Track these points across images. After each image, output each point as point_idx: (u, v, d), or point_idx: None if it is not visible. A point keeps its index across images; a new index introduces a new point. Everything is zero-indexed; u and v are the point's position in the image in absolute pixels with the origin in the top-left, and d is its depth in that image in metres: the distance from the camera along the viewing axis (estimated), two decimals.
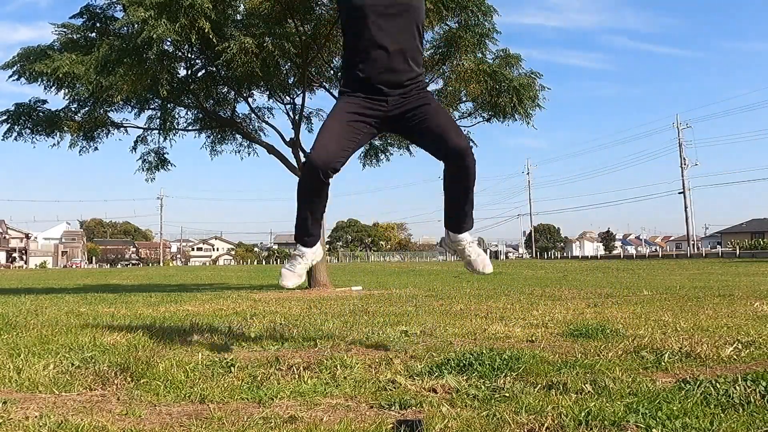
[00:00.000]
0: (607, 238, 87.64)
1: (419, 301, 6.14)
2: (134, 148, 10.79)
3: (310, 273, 8.70)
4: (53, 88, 8.69)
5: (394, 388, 2.10)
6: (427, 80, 10.12)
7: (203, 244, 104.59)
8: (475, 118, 10.24)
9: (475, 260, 2.57)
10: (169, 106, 10.08)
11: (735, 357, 2.55)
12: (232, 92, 10.08)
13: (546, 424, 1.63)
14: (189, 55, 9.15)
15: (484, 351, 2.53)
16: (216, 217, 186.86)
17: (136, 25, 7.49)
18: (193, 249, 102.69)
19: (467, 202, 2.62)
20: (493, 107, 9.30)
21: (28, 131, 9.51)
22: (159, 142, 10.78)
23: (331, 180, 2.48)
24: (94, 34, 8.93)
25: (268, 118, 10.89)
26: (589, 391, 1.96)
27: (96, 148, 10.31)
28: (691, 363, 2.45)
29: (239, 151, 11.23)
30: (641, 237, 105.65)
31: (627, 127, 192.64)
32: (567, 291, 7.46)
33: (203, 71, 9.54)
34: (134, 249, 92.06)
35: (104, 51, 7.95)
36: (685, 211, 48.06)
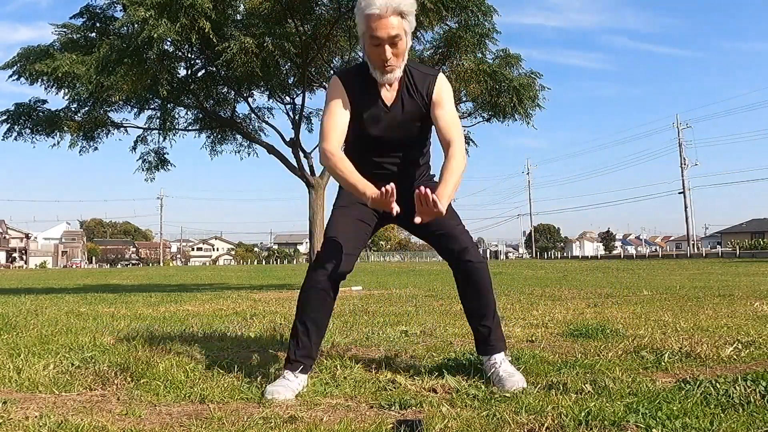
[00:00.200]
0: (607, 238, 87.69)
1: (419, 301, 6.14)
2: (134, 148, 10.82)
3: None
4: (53, 88, 8.70)
5: (394, 388, 2.10)
6: None
7: (203, 244, 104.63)
8: (475, 118, 10.26)
9: (506, 379, 2.13)
10: (169, 106, 10.09)
11: (735, 357, 2.55)
12: (232, 92, 10.08)
13: (546, 424, 1.63)
14: (189, 55, 9.16)
15: None
16: (216, 217, 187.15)
17: (136, 25, 7.50)
18: (193, 249, 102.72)
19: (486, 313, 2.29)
20: (493, 107, 9.31)
21: (28, 131, 9.52)
22: (159, 142, 10.81)
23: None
24: (94, 34, 8.95)
25: (268, 118, 10.93)
26: (589, 391, 1.95)
27: (96, 148, 10.33)
28: (691, 363, 2.45)
29: (239, 151, 11.26)
30: (641, 237, 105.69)
31: (627, 127, 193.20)
32: (567, 291, 7.46)
33: (203, 71, 9.55)
34: (134, 249, 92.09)
35: (104, 51, 7.95)
36: (685, 211, 48.10)
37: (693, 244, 48.99)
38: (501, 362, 2.22)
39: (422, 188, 1.96)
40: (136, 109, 10.02)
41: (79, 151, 10.15)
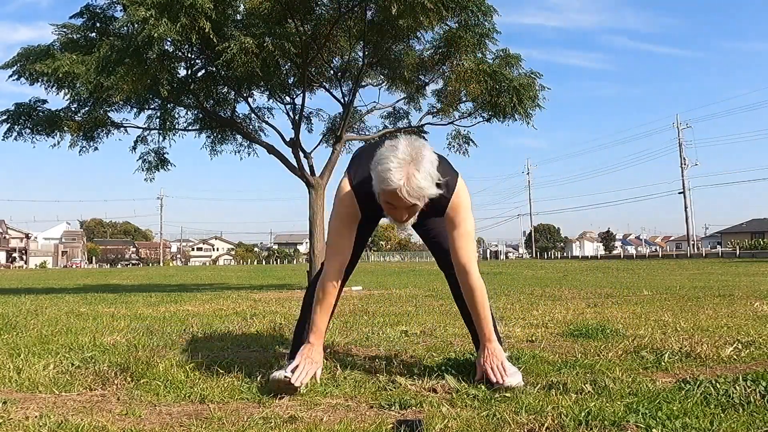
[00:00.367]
0: (607, 238, 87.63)
1: (419, 301, 6.14)
2: (134, 148, 10.80)
3: (310, 272, 8.69)
4: (53, 88, 8.69)
5: (394, 388, 2.10)
6: (426, 80, 10.14)
7: (203, 244, 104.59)
8: (475, 118, 10.26)
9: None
10: (169, 106, 10.08)
11: (735, 357, 2.55)
12: (232, 92, 10.07)
13: (546, 424, 1.63)
14: (189, 55, 9.15)
15: None
16: (216, 217, 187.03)
17: (136, 25, 7.49)
18: (193, 249, 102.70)
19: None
20: (493, 107, 9.31)
21: (28, 131, 9.51)
22: (159, 142, 10.79)
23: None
24: (94, 34, 8.94)
25: (268, 118, 10.90)
26: (589, 391, 1.96)
27: (96, 148, 10.31)
28: (691, 363, 2.45)
29: (239, 151, 11.23)
30: (641, 237, 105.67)
31: (627, 127, 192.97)
32: (567, 291, 7.46)
33: (203, 71, 9.53)
34: (134, 249, 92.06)
35: (104, 51, 7.95)
36: (685, 211, 48.08)
37: (693, 244, 48.96)
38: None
39: (488, 370, 2.13)
40: (136, 109, 10.00)
41: (79, 151, 10.15)
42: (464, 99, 9.81)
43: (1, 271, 40.35)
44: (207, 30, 7.44)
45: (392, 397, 1.95)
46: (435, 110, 10.26)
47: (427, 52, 9.51)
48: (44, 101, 9.61)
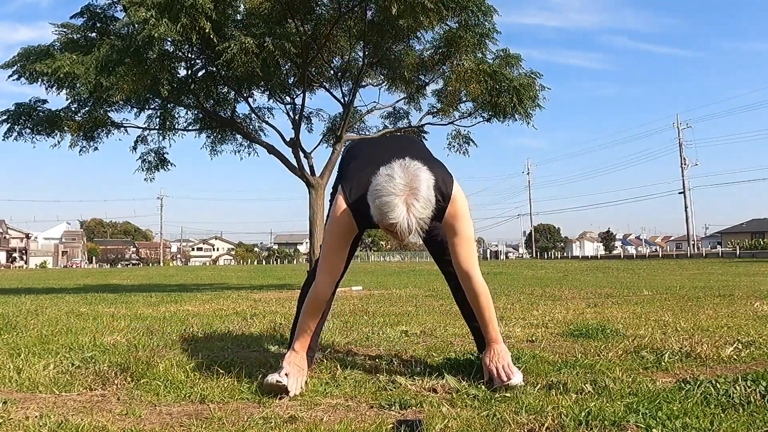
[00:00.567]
0: (607, 238, 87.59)
1: (419, 301, 6.14)
2: (134, 148, 10.80)
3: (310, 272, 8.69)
4: (53, 88, 8.69)
5: (394, 388, 2.11)
6: (426, 80, 10.14)
7: (203, 244, 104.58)
8: (475, 118, 10.26)
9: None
10: (169, 106, 10.08)
11: (735, 357, 2.55)
12: (232, 92, 10.08)
13: (546, 424, 1.63)
14: (189, 55, 9.15)
15: None
16: (216, 217, 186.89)
17: (136, 25, 7.49)
18: (193, 249, 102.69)
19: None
20: (493, 107, 9.32)
21: (28, 131, 9.51)
22: (159, 142, 10.79)
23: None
24: (94, 34, 8.94)
25: (268, 118, 10.91)
26: (589, 391, 1.96)
27: (96, 148, 10.31)
28: (691, 363, 2.45)
29: (239, 151, 11.24)
30: (641, 237, 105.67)
31: (627, 127, 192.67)
32: (567, 291, 7.46)
33: (203, 71, 9.54)
34: (134, 249, 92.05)
35: (105, 51, 7.95)
36: (685, 211, 48.06)
37: (693, 244, 48.93)
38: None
39: (494, 371, 2.14)
40: (136, 109, 10.01)
41: (79, 151, 10.15)
42: (464, 99, 9.81)
43: (1, 271, 40.36)
44: (207, 30, 7.44)
45: (392, 397, 1.95)
46: (435, 110, 10.27)
47: (427, 52, 9.52)
48: (44, 101, 9.62)
